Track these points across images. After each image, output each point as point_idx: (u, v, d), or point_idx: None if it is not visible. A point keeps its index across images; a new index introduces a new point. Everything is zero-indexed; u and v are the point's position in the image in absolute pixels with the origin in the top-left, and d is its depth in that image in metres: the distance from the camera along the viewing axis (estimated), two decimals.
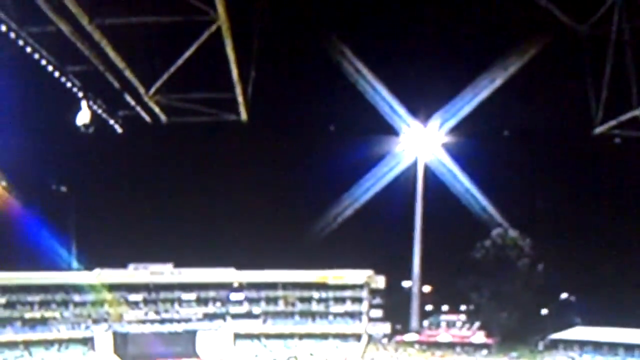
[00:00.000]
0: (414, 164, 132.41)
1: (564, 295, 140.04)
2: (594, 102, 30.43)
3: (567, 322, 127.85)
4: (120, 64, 22.31)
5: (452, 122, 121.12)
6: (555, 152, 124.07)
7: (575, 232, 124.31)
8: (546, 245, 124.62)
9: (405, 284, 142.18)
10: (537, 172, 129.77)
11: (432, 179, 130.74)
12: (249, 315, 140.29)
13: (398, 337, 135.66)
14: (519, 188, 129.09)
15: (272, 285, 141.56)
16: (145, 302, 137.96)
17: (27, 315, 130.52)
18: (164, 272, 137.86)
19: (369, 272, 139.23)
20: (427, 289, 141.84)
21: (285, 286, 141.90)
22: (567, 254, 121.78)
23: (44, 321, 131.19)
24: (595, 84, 30.00)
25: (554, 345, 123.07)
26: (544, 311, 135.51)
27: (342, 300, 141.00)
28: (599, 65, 29.56)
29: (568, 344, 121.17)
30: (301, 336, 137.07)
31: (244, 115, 27.54)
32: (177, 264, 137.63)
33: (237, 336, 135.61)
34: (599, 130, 30.96)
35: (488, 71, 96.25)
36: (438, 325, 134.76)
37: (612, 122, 30.45)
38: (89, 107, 27.05)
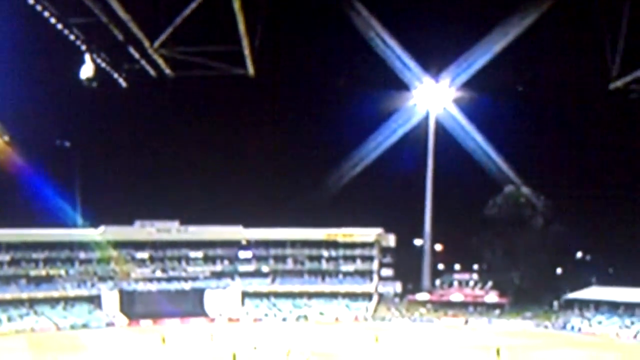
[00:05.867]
0: (426, 120, 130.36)
1: (579, 254, 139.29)
2: (609, 57, 28.10)
3: (583, 281, 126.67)
4: (124, 15, 20.34)
5: (464, 77, 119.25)
6: (570, 108, 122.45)
7: (591, 190, 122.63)
8: (561, 203, 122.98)
9: (417, 242, 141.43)
10: (551, 128, 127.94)
11: (444, 135, 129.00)
12: (257, 273, 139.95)
13: (409, 297, 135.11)
14: (532, 144, 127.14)
15: (281, 243, 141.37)
16: (152, 259, 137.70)
17: (32, 272, 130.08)
18: (171, 229, 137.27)
19: (379, 230, 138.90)
20: (438, 247, 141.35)
21: (294, 244, 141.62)
22: (582, 212, 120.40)
23: (49, 279, 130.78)
24: (612, 37, 27.67)
25: (569, 305, 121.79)
26: (559, 270, 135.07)
27: (352, 258, 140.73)
28: (615, 19, 27.15)
29: (583, 304, 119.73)
30: (310, 295, 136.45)
31: (251, 70, 25.59)
32: (184, 221, 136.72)
33: (246, 295, 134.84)
34: (614, 85, 28.66)
35: (501, 25, 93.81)
36: (450, 285, 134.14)
37: (629, 78, 28.09)
38: (93, 60, 25.48)
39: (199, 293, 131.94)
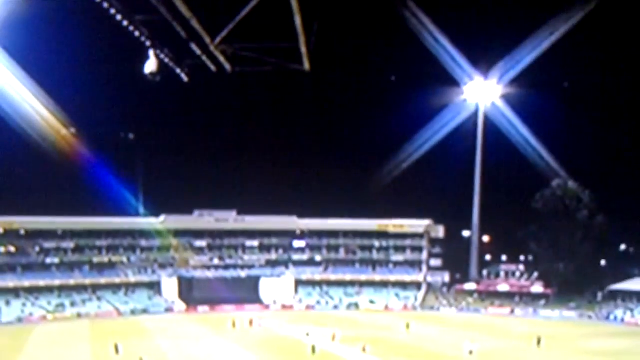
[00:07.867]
0: (475, 115, 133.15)
1: (622, 247, 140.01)
2: None
3: (626, 273, 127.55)
4: (186, 13, 23.09)
5: (512, 74, 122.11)
6: (615, 103, 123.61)
7: (636, 183, 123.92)
8: (606, 196, 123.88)
9: (465, 233, 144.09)
10: (596, 123, 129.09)
11: (493, 130, 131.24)
12: (310, 262, 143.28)
13: (457, 286, 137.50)
14: (578, 139, 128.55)
15: (334, 234, 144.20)
16: (210, 248, 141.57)
17: (95, 259, 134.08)
18: (228, 219, 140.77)
19: (429, 222, 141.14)
20: (486, 238, 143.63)
21: (347, 234, 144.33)
22: (626, 205, 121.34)
23: (111, 265, 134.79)
24: None
25: (612, 296, 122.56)
26: (603, 262, 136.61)
27: (402, 249, 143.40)
28: None
29: (626, 295, 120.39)
30: (361, 284, 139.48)
31: (307, 65, 28.20)
32: (241, 211, 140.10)
33: (299, 283, 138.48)
34: None
35: (549, 23, 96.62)
36: (497, 275, 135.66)
37: None
38: (156, 56, 27.47)
39: (254, 281, 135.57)
